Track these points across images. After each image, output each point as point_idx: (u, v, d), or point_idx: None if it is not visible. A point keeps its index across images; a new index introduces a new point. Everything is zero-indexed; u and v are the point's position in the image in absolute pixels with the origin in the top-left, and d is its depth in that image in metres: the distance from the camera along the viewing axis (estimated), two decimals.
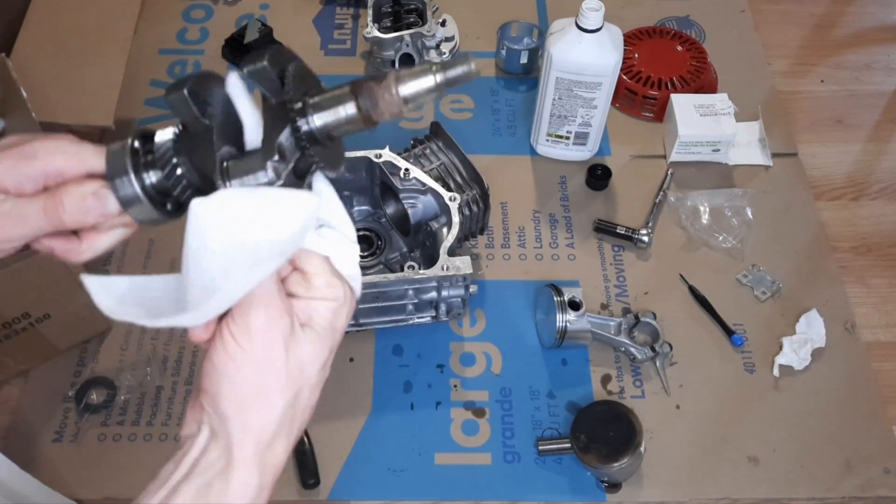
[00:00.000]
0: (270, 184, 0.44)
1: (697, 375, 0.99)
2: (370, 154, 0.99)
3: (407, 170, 0.97)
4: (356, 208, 1.09)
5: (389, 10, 1.29)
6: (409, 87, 0.44)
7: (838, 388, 0.99)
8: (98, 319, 1.00)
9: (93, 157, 0.46)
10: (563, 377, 0.99)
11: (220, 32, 1.35)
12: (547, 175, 1.20)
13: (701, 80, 1.25)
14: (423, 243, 1.02)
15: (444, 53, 1.28)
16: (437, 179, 1.00)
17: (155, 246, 1.10)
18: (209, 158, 0.45)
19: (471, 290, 0.96)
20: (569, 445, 0.91)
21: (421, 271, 0.91)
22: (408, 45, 1.25)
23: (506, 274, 1.09)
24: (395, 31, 1.25)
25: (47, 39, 1.32)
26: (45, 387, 0.97)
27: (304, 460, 0.91)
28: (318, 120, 0.45)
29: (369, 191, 1.07)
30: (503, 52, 1.29)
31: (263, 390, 0.43)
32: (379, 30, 1.24)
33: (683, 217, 1.13)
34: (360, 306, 0.96)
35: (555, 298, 0.96)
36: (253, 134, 0.45)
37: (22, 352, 0.95)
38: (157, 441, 0.93)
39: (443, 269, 0.91)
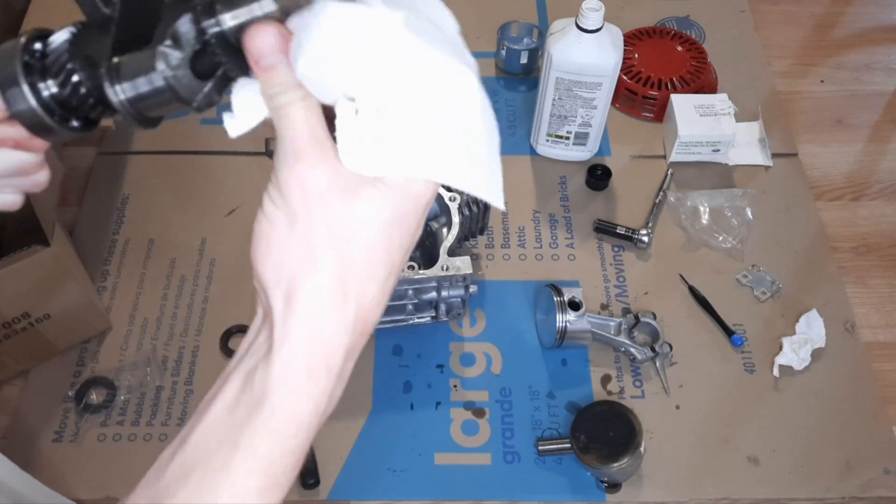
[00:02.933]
0: (165, 81, 0.36)
1: (697, 375, 1.00)
2: None
3: None
4: None
5: None
6: None
7: (838, 389, 0.99)
8: (98, 319, 1.00)
9: None
10: (563, 377, 0.99)
11: None
12: (547, 175, 1.20)
13: (701, 81, 1.25)
14: (422, 243, 1.02)
15: None
16: None
17: (155, 246, 1.10)
18: (101, 55, 0.37)
19: (471, 290, 0.97)
20: (569, 445, 0.91)
21: (421, 271, 0.91)
22: None
23: (506, 274, 1.09)
24: None
25: None
26: (45, 387, 0.97)
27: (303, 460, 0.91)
28: (231, 19, 0.36)
29: None
30: (503, 52, 1.29)
31: (304, 250, 0.36)
32: None
33: (683, 217, 1.13)
34: None
35: (555, 298, 0.96)
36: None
37: (22, 352, 0.95)
38: (157, 441, 0.93)
39: (443, 269, 0.91)
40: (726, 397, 0.98)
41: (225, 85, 0.38)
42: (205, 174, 1.18)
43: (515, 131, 1.25)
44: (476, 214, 1.03)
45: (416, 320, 1.00)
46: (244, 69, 0.37)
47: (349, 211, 0.36)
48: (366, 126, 0.36)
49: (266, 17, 0.36)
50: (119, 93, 0.37)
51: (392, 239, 0.37)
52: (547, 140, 1.18)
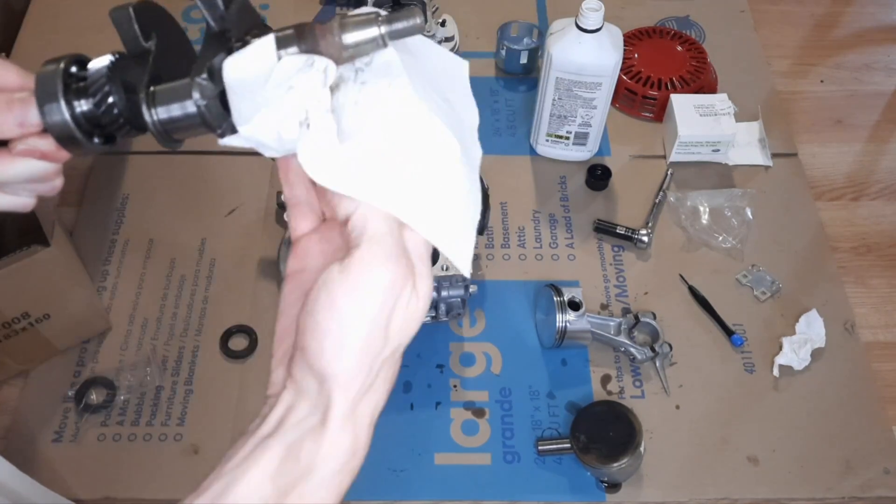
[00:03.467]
0: (197, 109, 0.41)
1: (697, 375, 1.00)
2: None
3: None
4: None
5: (389, 10, 1.29)
6: (353, 36, 0.42)
7: (838, 388, 0.99)
8: (98, 319, 1.00)
9: (13, 76, 0.44)
10: (563, 377, 0.99)
11: None
12: (547, 175, 1.20)
13: (701, 81, 1.26)
14: None
15: None
16: None
17: (155, 246, 1.10)
18: (140, 82, 0.42)
19: (470, 290, 0.97)
20: (569, 445, 0.91)
21: None
22: None
23: (506, 274, 1.09)
24: None
25: (47, 39, 1.32)
26: (44, 387, 0.97)
27: None
28: None
29: None
30: (503, 52, 1.29)
31: (363, 349, 0.39)
32: None
33: (683, 217, 1.13)
34: None
35: (555, 298, 0.96)
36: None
37: (22, 352, 0.95)
38: (157, 441, 0.93)
39: (443, 269, 0.91)
40: (726, 397, 0.98)
41: None
42: (205, 174, 1.18)
43: (515, 131, 1.25)
44: None
45: None
46: None
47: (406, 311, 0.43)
48: (339, 142, 0.39)
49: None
50: (154, 114, 0.42)
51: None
52: (547, 140, 1.18)
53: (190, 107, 0.41)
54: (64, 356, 0.99)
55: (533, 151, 1.22)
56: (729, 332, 1.02)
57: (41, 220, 0.88)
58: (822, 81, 1.35)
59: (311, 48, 0.44)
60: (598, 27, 1.02)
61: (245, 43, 0.43)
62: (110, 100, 0.43)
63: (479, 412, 0.97)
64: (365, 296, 0.38)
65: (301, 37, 0.44)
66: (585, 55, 1.04)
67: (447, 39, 1.30)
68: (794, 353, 0.99)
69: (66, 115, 0.43)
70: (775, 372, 0.99)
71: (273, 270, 1.06)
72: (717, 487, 0.91)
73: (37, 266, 0.87)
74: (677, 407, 0.97)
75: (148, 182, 1.17)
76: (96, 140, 0.44)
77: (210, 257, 1.09)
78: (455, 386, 0.99)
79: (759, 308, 1.05)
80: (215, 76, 0.41)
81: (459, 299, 0.98)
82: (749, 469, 0.93)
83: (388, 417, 0.95)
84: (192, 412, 0.95)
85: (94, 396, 0.96)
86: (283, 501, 0.38)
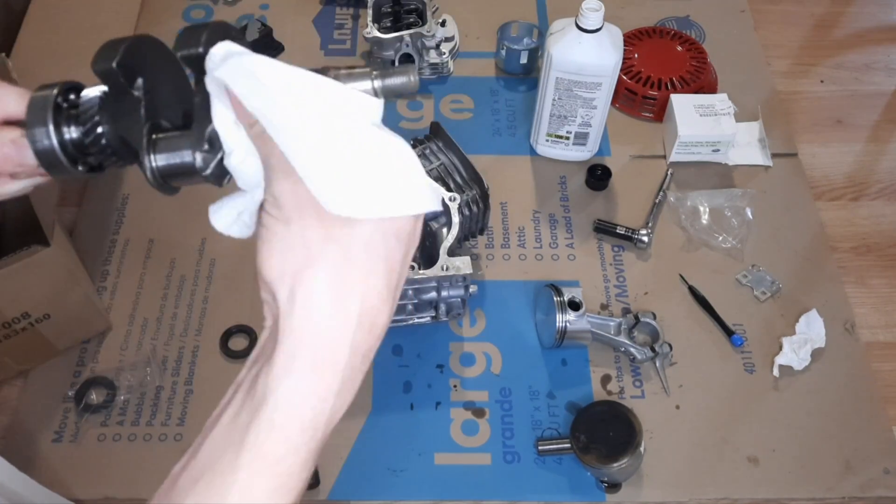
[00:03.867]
0: (198, 170, 0.43)
1: (697, 375, 0.99)
2: None
3: None
4: None
5: (389, 10, 1.29)
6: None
7: (838, 388, 0.99)
8: (98, 319, 1.00)
9: (13, 101, 0.45)
10: (563, 377, 0.99)
11: None
12: (547, 175, 1.20)
13: (701, 81, 1.25)
14: (422, 243, 1.02)
15: (444, 53, 1.28)
16: (437, 179, 1.00)
17: (154, 246, 1.10)
18: (134, 127, 0.43)
19: (470, 290, 0.97)
20: (569, 445, 0.91)
21: (421, 271, 0.91)
22: (408, 46, 1.25)
23: (506, 274, 1.09)
24: (395, 31, 1.25)
25: (47, 39, 1.33)
26: (44, 387, 0.97)
27: None
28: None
29: None
30: (503, 52, 1.29)
31: (302, 246, 0.37)
32: (379, 30, 1.24)
33: (683, 217, 1.13)
34: None
35: (555, 298, 0.96)
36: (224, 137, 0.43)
37: (22, 352, 0.95)
38: (157, 441, 0.93)
39: (443, 269, 0.91)
40: (726, 397, 0.98)
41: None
42: None
43: (515, 131, 1.25)
44: (476, 214, 1.03)
45: (416, 320, 1.00)
46: None
47: None
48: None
49: None
50: (153, 161, 0.44)
51: (388, 238, 0.38)
52: (547, 140, 1.18)
53: (188, 157, 0.43)
54: (64, 356, 0.99)
55: (533, 151, 1.22)
56: (729, 332, 1.02)
57: (41, 220, 0.88)
58: (822, 81, 1.35)
59: None
60: (598, 27, 1.02)
61: None
62: (99, 130, 0.44)
63: (479, 412, 0.96)
64: (280, 206, 0.38)
65: None
66: (585, 55, 1.04)
67: (447, 39, 1.30)
68: (794, 353, 0.99)
69: (54, 141, 0.43)
70: (775, 372, 0.99)
71: None
72: (717, 487, 0.91)
73: (37, 266, 0.87)
74: (677, 407, 0.97)
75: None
76: (81, 167, 0.45)
77: (210, 257, 1.09)
78: (455, 386, 0.99)
79: (759, 308, 1.05)
80: (215, 144, 0.43)
81: (459, 299, 0.98)
82: (749, 469, 0.93)
83: (388, 417, 0.96)
84: (192, 412, 0.95)
85: (94, 396, 0.96)
86: (242, 436, 0.35)
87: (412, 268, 0.92)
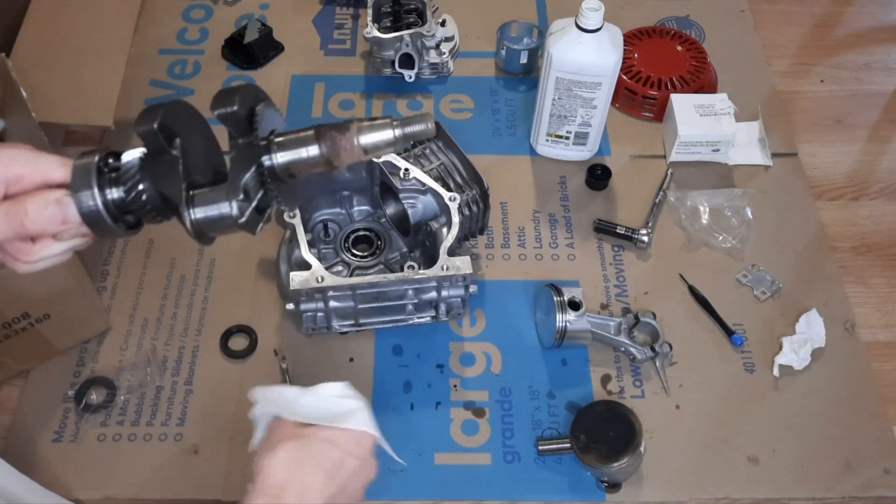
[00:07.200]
0: (234, 219, 0.48)
1: (697, 375, 0.99)
2: None
3: (407, 170, 0.97)
4: (356, 208, 1.09)
5: (389, 10, 1.29)
6: (369, 139, 0.49)
7: (838, 388, 0.99)
8: (98, 319, 1.00)
9: (52, 167, 0.48)
10: (563, 377, 0.99)
11: (220, 32, 1.35)
12: (547, 175, 1.20)
13: (701, 80, 1.26)
14: (423, 243, 1.02)
15: (444, 53, 1.28)
16: (436, 179, 1.00)
17: (154, 246, 1.10)
18: (173, 185, 0.48)
19: (471, 290, 0.96)
20: (569, 445, 0.91)
21: (421, 271, 0.91)
22: (407, 46, 1.25)
23: (506, 274, 1.09)
24: (395, 31, 1.25)
25: (47, 39, 1.32)
26: (44, 387, 0.97)
27: None
28: (281, 157, 0.49)
29: (369, 191, 1.07)
30: (503, 52, 1.29)
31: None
32: (379, 30, 1.24)
33: (683, 217, 1.13)
34: (360, 306, 0.96)
35: (555, 298, 0.96)
36: None
37: (22, 352, 0.95)
38: (157, 441, 0.93)
39: (443, 269, 0.91)
40: (726, 397, 0.98)
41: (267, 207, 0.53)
42: None
43: (515, 131, 1.25)
44: (476, 214, 1.03)
45: (416, 320, 1.00)
46: (289, 196, 0.52)
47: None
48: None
49: (312, 161, 0.50)
50: (193, 214, 0.48)
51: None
52: (547, 140, 1.18)
53: (228, 221, 0.48)
54: (64, 356, 0.99)
55: (533, 151, 1.22)
56: (729, 332, 1.02)
57: None
58: (822, 81, 1.35)
59: (330, 149, 0.49)
60: (598, 27, 1.02)
61: (270, 143, 0.49)
62: (140, 187, 0.48)
63: (479, 412, 0.96)
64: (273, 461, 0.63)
65: (320, 138, 0.49)
66: (585, 55, 1.04)
67: (447, 39, 1.30)
68: (794, 352, 0.99)
69: (98, 202, 0.48)
70: (775, 372, 0.99)
71: (273, 270, 1.06)
72: (717, 487, 0.91)
73: None
74: (677, 407, 0.97)
75: None
76: (121, 225, 0.49)
77: (210, 257, 1.09)
78: (455, 386, 0.99)
79: (759, 308, 1.05)
80: (250, 193, 0.48)
81: (459, 299, 0.98)
82: (749, 469, 0.93)
83: (388, 417, 0.96)
84: (192, 412, 0.95)
85: (94, 396, 0.96)
86: None
87: (412, 268, 0.92)
